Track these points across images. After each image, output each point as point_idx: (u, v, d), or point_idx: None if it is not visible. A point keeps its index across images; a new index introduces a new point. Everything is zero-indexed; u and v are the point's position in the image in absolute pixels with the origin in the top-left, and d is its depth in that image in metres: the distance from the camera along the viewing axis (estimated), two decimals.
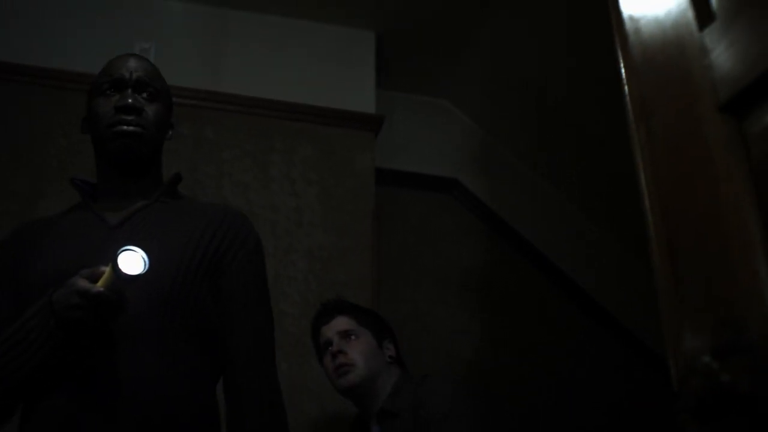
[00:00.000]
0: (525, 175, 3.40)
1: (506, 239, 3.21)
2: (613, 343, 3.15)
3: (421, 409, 1.76)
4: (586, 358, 3.07)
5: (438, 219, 3.16)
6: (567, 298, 3.20)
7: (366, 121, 2.79)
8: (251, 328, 1.31)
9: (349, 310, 2.01)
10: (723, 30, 0.64)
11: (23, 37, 2.56)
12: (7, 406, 1.21)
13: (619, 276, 3.28)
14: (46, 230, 1.35)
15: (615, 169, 2.19)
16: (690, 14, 0.68)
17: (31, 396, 1.20)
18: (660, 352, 1.00)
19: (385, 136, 2.94)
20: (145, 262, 1.09)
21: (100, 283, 1.10)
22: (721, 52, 0.64)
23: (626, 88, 0.81)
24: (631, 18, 0.76)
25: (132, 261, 1.09)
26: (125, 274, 1.08)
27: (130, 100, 1.32)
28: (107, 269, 1.09)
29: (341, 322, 1.97)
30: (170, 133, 1.44)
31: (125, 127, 1.31)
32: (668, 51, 0.70)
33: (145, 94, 1.36)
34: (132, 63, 1.38)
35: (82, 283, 1.10)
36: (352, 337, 1.94)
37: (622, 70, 0.82)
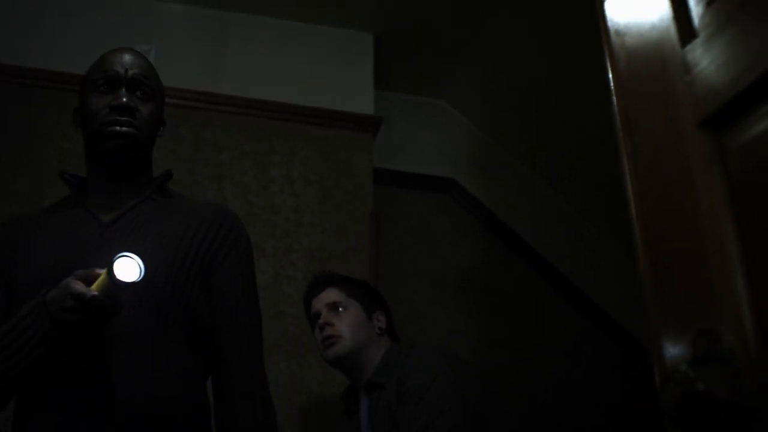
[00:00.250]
0: (523, 176, 3.41)
1: (504, 240, 3.22)
2: (610, 343, 3.16)
3: (405, 379, 1.75)
4: (583, 358, 3.08)
5: (436, 219, 3.17)
6: (564, 299, 3.21)
7: (364, 122, 2.81)
8: (243, 326, 1.32)
9: (339, 282, 2.02)
10: (704, 47, 0.66)
11: (23, 38, 2.58)
12: None
13: (616, 277, 3.28)
14: (34, 226, 1.33)
15: (613, 171, 2.19)
16: (673, 31, 0.69)
17: (24, 395, 1.20)
18: None
19: (383, 137, 2.96)
20: (140, 269, 1.09)
21: (95, 286, 1.09)
22: (702, 69, 0.65)
23: (614, 98, 0.83)
24: (617, 32, 0.78)
25: (128, 268, 1.08)
26: (120, 281, 1.07)
27: (124, 100, 1.30)
28: (102, 273, 1.09)
29: (330, 294, 1.98)
30: (162, 129, 1.41)
31: (119, 128, 1.29)
32: (652, 66, 0.72)
33: (139, 93, 1.33)
34: (127, 59, 1.35)
35: (77, 286, 1.09)
36: (340, 309, 1.95)
37: (611, 82, 0.84)
